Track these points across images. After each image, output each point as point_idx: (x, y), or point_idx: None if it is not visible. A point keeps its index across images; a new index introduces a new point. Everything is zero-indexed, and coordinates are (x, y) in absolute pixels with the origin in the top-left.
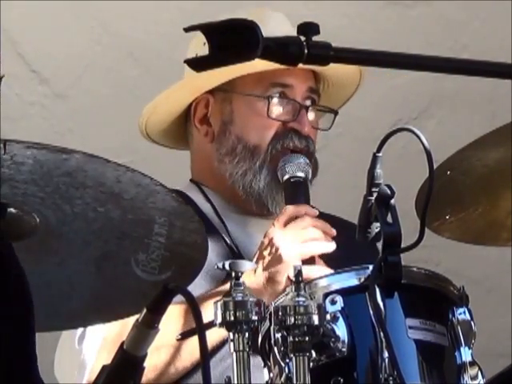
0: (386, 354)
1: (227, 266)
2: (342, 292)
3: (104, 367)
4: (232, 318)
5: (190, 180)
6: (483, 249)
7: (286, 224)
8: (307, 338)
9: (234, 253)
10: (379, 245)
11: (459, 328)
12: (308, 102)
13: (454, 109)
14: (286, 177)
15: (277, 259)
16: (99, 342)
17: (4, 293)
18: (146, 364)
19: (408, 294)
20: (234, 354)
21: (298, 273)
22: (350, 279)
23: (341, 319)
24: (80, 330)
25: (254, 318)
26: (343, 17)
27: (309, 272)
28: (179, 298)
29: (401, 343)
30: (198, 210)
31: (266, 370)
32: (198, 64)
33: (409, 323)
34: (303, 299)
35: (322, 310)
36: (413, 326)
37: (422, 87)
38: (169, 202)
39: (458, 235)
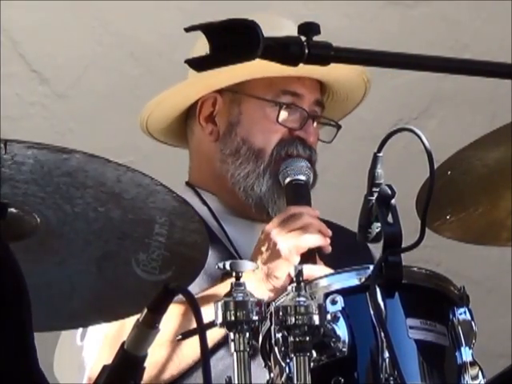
0: (386, 354)
1: (228, 266)
2: (343, 292)
3: (104, 367)
4: (233, 318)
5: (186, 183)
6: (484, 249)
7: (284, 221)
8: (308, 338)
9: (234, 256)
10: (375, 251)
11: (460, 328)
12: (314, 113)
13: (455, 109)
14: (288, 180)
15: (275, 254)
16: (100, 339)
17: (1, 293)
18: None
19: (409, 294)
20: (235, 354)
21: (299, 273)
22: (350, 279)
23: (341, 319)
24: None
25: (255, 318)
26: (344, 17)
27: (310, 271)
28: (179, 297)
29: (401, 343)
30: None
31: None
32: (198, 64)
33: (409, 323)
34: (304, 299)
35: (322, 309)
36: (413, 325)
37: (422, 87)
38: (169, 201)
39: (459, 235)
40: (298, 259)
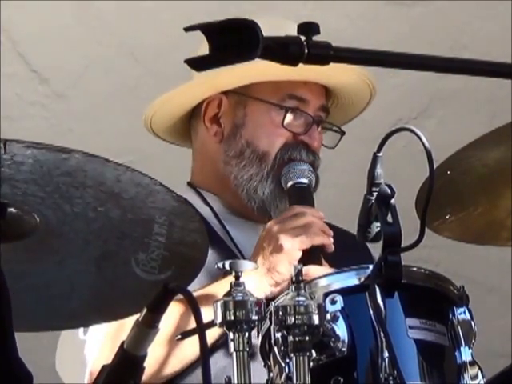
0: (386, 354)
1: (227, 266)
2: (342, 292)
3: (104, 367)
4: (232, 318)
5: (188, 183)
6: (483, 248)
7: (287, 219)
8: (307, 338)
9: (237, 257)
10: (375, 252)
11: (459, 328)
12: (319, 118)
13: (454, 108)
14: (290, 183)
15: (277, 249)
16: (103, 334)
17: None
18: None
19: (408, 293)
20: (234, 354)
21: (298, 272)
22: (350, 279)
23: (341, 319)
24: None
25: (254, 317)
26: (343, 17)
27: (315, 272)
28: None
29: (401, 343)
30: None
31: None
32: (198, 64)
33: (409, 323)
34: (303, 299)
35: (322, 309)
36: (413, 325)
37: (422, 87)
38: (169, 201)
39: (458, 235)
40: (299, 255)
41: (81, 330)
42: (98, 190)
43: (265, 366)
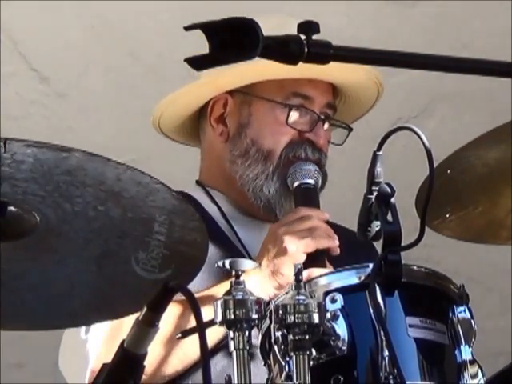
0: (386, 353)
1: (227, 265)
2: (342, 290)
3: (104, 366)
4: (232, 317)
5: (196, 182)
6: (483, 247)
7: (293, 222)
8: (307, 337)
9: (243, 255)
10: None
11: (459, 326)
12: (325, 116)
13: (454, 107)
14: (296, 184)
15: (281, 251)
16: (104, 332)
17: None
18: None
19: (408, 292)
20: (234, 353)
21: (298, 271)
22: (350, 277)
23: (341, 318)
24: None
25: (254, 316)
26: (343, 16)
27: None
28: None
29: (401, 342)
30: (205, 213)
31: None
32: (197, 63)
33: (409, 322)
34: (303, 297)
35: (322, 308)
36: (413, 324)
37: (422, 86)
38: (169, 200)
39: (458, 234)
40: (304, 258)
41: (83, 329)
42: (98, 189)
43: (265, 364)
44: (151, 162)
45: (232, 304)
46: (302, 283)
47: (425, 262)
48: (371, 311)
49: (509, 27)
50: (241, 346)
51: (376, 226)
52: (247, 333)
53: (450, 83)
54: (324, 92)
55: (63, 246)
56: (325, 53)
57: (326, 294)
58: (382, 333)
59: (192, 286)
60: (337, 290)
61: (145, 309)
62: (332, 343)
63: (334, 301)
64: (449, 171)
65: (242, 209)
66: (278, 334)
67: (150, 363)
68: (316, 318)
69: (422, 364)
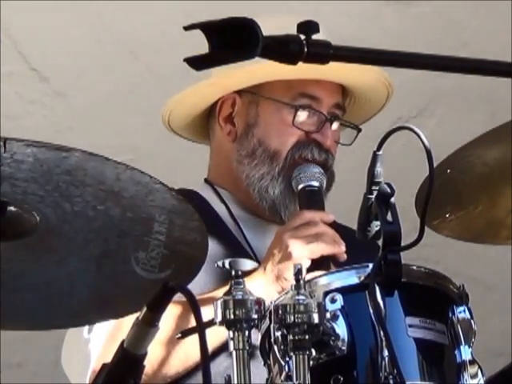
0: (385, 353)
1: (227, 265)
2: (342, 290)
3: (104, 365)
4: (232, 317)
5: (205, 180)
6: (483, 247)
7: (299, 227)
8: (307, 337)
9: (250, 255)
10: None
11: (459, 326)
12: (332, 117)
13: (454, 107)
14: (301, 186)
15: (286, 256)
16: (106, 334)
17: None
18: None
19: (408, 292)
20: (234, 353)
21: (298, 271)
22: (349, 277)
23: (341, 318)
24: None
25: (254, 316)
26: (343, 15)
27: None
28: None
29: (401, 342)
30: (213, 212)
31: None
32: (197, 62)
33: (409, 322)
34: (303, 297)
35: (321, 308)
36: (413, 324)
37: (421, 85)
38: (168, 200)
39: (458, 233)
40: (308, 263)
41: (85, 328)
42: (98, 189)
43: (264, 364)
44: (151, 162)
45: (232, 304)
46: (301, 283)
47: (424, 261)
48: (371, 311)
49: (509, 27)
50: (240, 346)
51: (376, 225)
52: (247, 333)
53: (449, 83)
54: (332, 92)
55: (63, 246)
56: (324, 53)
57: (326, 293)
58: (381, 333)
59: (198, 286)
60: (337, 289)
61: (144, 309)
62: (332, 343)
63: (333, 301)
64: (449, 171)
65: (248, 209)
66: (278, 333)
67: (150, 364)
68: (316, 317)
69: (422, 364)
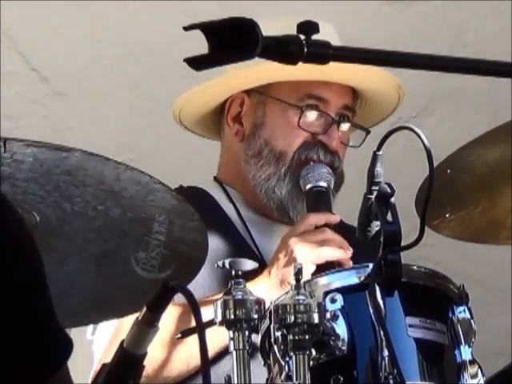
0: (385, 353)
1: (227, 264)
2: (342, 290)
3: (104, 366)
4: (232, 317)
5: (214, 178)
6: (483, 247)
7: (306, 233)
8: (307, 337)
9: (256, 256)
10: None
11: (459, 326)
12: (341, 118)
13: (454, 107)
14: (309, 186)
15: (290, 260)
16: (108, 335)
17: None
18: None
19: (408, 292)
20: (234, 353)
21: (298, 271)
22: (350, 277)
23: (341, 318)
24: None
25: (254, 316)
26: (343, 15)
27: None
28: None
29: (401, 342)
30: (221, 211)
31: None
32: (197, 63)
33: (409, 321)
34: (303, 297)
35: (322, 308)
36: (413, 324)
37: (421, 85)
38: (168, 200)
39: (458, 233)
40: (313, 269)
41: (89, 330)
42: (98, 189)
43: (264, 364)
44: (150, 162)
45: (232, 304)
46: (301, 283)
47: (424, 261)
48: (371, 311)
49: (509, 27)
50: (240, 346)
51: (376, 225)
52: (247, 333)
53: (449, 83)
54: (340, 94)
55: (63, 246)
56: (324, 53)
57: (326, 293)
58: (381, 333)
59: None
60: (337, 289)
61: (144, 309)
62: (332, 343)
63: (333, 301)
64: (449, 171)
65: (256, 209)
66: (278, 333)
67: (151, 365)
68: (316, 317)
69: (422, 364)
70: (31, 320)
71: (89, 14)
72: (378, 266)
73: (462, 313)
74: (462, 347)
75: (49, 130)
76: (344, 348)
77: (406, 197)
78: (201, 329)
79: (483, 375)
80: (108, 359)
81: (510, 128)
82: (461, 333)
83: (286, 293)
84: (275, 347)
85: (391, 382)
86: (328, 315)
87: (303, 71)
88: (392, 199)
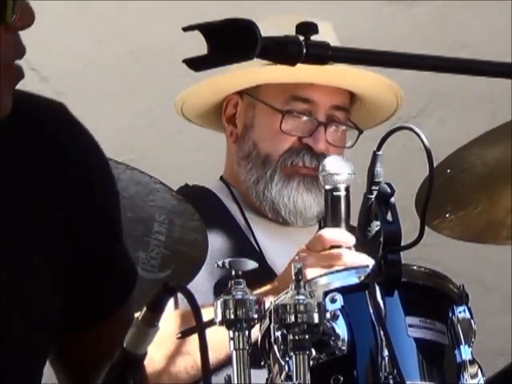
0: (385, 353)
1: (227, 264)
2: (342, 290)
3: (104, 365)
4: (232, 317)
5: (220, 178)
6: (483, 247)
7: (323, 256)
8: (307, 337)
9: (261, 256)
10: None
11: (459, 326)
12: (329, 119)
13: (454, 107)
14: (328, 187)
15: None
16: None
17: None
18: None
19: (408, 292)
20: (234, 353)
21: (298, 271)
22: (349, 277)
23: (341, 317)
24: None
25: (254, 316)
26: (343, 15)
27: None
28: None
29: (401, 341)
30: (225, 210)
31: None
32: (196, 64)
33: (409, 321)
34: (303, 297)
35: (321, 308)
36: (413, 324)
37: (421, 85)
38: (168, 200)
39: (458, 233)
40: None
41: None
42: None
43: (264, 364)
44: (150, 162)
45: (232, 304)
46: (301, 283)
47: (424, 261)
48: (371, 311)
49: (509, 27)
50: (241, 346)
51: (376, 225)
52: (247, 333)
53: (449, 83)
54: (329, 94)
55: None
56: (323, 54)
57: (326, 293)
58: (381, 333)
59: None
60: (336, 289)
61: (144, 309)
62: (332, 343)
63: (333, 301)
64: (449, 171)
65: (255, 209)
66: (278, 333)
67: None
68: (316, 317)
69: (422, 364)
70: (120, 245)
71: (89, 14)
72: (378, 266)
73: (461, 313)
74: (461, 347)
75: None
76: (344, 348)
77: (406, 197)
78: (201, 329)
79: (483, 375)
80: None
81: (510, 128)
82: (461, 333)
83: (286, 293)
84: (275, 347)
85: (391, 382)
86: (328, 315)
87: (289, 74)
88: (392, 199)
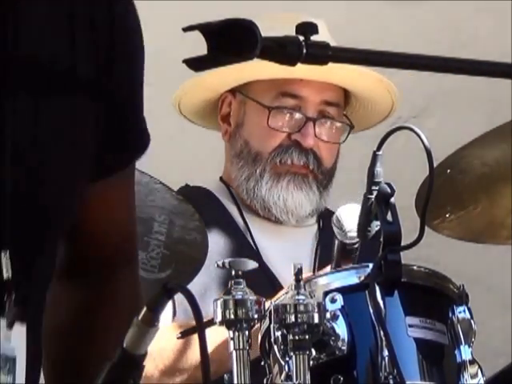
0: (385, 353)
1: (227, 264)
2: (342, 290)
3: (103, 365)
4: (232, 317)
5: (220, 178)
6: (483, 247)
7: None
8: (307, 337)
9: (258, 256)
10: None
11: (459, 326)
12: (320, 115)
13: (454, 107)
14: (341, 240)
15: None
16: None
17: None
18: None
19: (408, 292)
20: (234, 353)
21: (298, 271)
22: (349, 277)
23: (341, 317)
24: None
25: (255, 316)
26: (343, 15)
27: None
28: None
29: (401, 341)
30: (225, 211)
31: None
32: (196, 64)
33: (409, 321)
34: (303, 297)
35: (321, 308)
36: (413, 324)
37: (421, 86)
38: (168, 200)
39: (458, 233)
40: None
41: None
42: None
43: (264, 364)
44: (149, 162)
45: (232, 304)
46: (301, 283)
47: (424, 261)
48: (371, 311)
49: (508, 27)
50: (241, 346)
51: (376, 225)
52: (247, 333)
53: (449, 83)
54: (319, 90)
55: None
56: (323, 54)
57: (326, 293)
58: (381, 333)
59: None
60: (336, 289)
61: (144, 308)
62: (332, 343)
63: (333, 301)
64: (449, 171)
65: (250, 209)
66: (278, 333)
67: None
68: (316, 317)
69: (422, 364)
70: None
71: None
72: (378, 266)
73: (461, 313)
74: (461, 347)
75: None
76: (344, 348)
77: (406, 197)
78: (201, 329)
79: (483, 375)
80: None
81: (510, 128)
82: (461, 333)
83: (286, 293)
84: (275, 347)
85: (391, 382)
86: (328, 315)
87: (278, 70)
88: (392, 199)
